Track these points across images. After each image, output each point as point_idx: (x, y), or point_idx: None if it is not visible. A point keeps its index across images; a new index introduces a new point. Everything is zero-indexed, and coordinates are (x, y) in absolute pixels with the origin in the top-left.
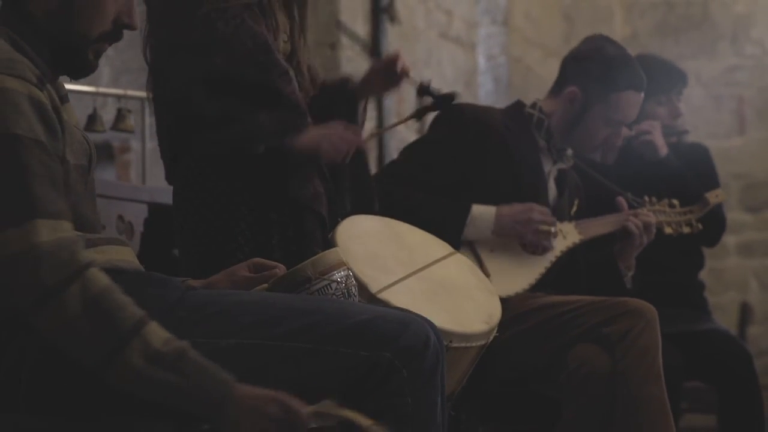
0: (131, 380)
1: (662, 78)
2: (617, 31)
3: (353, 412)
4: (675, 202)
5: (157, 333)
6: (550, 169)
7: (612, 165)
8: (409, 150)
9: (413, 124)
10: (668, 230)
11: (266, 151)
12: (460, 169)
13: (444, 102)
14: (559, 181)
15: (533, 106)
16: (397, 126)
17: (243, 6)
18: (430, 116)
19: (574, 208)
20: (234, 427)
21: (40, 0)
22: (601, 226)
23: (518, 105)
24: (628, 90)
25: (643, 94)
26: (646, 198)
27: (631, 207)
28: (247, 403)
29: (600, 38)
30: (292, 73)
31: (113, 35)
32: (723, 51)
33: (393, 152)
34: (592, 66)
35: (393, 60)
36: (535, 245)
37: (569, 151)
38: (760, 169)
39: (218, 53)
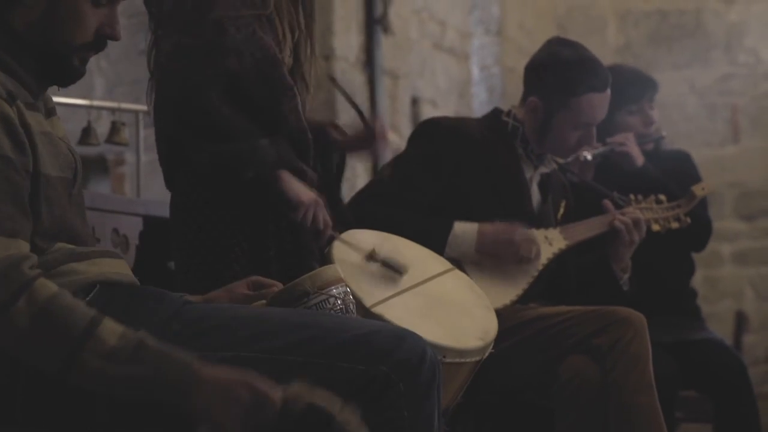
0: (93, 381)
1: (631, 87)
2: (611, 40)
3: (324, 394)
4: (662, 197)
5: (111, 329)
6: (532, 175)
7: (591, 181)
8: (388, 167)
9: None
10: (656, 227)
11: (248, 183)
12: (440, 183)
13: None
14: (543, 185)
15: (508, 113)
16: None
17: (254, 16)
18: None
19: (561, 211)
20: (204, 411)
21: (21, 12)
22: (588, 229)
23: (496, 113)
24: (588, 93)
25: (607, 92)
26: (632, 196)
27: (617, 207)
28: (214, 385)
29: (555, 42)
30: (295, 89)
31: (96, 45)
32: (716, 59)
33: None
34: (548, 74)
35: (378, 135)
36: (515, 259)
37: (548, 154)
38: (754, 178)
39: (231, 56)
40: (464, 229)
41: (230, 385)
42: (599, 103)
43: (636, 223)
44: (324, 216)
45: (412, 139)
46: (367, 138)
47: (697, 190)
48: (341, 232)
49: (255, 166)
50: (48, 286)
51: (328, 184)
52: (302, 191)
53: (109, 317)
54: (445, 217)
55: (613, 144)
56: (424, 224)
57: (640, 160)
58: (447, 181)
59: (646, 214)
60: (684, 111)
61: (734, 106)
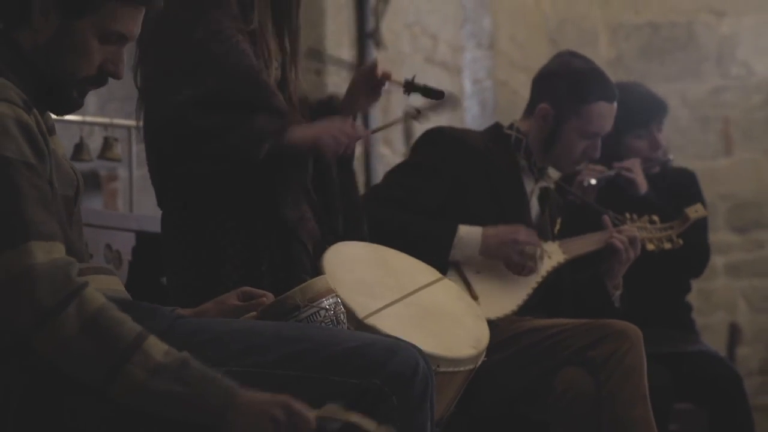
0: (136, 394)
1: (640, 111)
2: (602, 53)
3: (358, 415)
4: (655, 218)
5: (157, 345)
6: (533, 188)
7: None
8: (392, 173)
9: (400, 150)
10: (650, 246)
11: (257, 172)
12: (443, 191)
13: (434, 94)
14: (542, 199)
15: (510, 127)
16: (395, 124)
17: (236, 29)
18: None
19: (557, 227)
20: None
21: (30, 33)
22: (586, 244)
23: (497, 127)
24: (598, 101)
25: (615, 105)
26: (627, 215)
27: (613, 225)
28: (251, 408)
29: (567, 54)
30: (281, 96)
31: (97, 80)
32: (708, 72)
33: (379, 176)
34: (561, 81)
35: (372, 68)
36: (520, 267)
37: (550, 169)
38: (746, 190)
39: (210, 75)
40: (468, 232)
41: (267, 407)
42: (608, 113)
43: (632, 240)
44: (348, 125)
45: (418, 147)
46: (363, 77)
47: (691, 212)
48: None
49: (265, 139)
50: (97, 296)
51: (346, 188)
52: (312, 129)
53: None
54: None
55: (618, 169)
56: (429, 226)
57: (643, 187)
58: (450, 189)
59: (641, 233)
60: (676, 123)
61: (726, 119)
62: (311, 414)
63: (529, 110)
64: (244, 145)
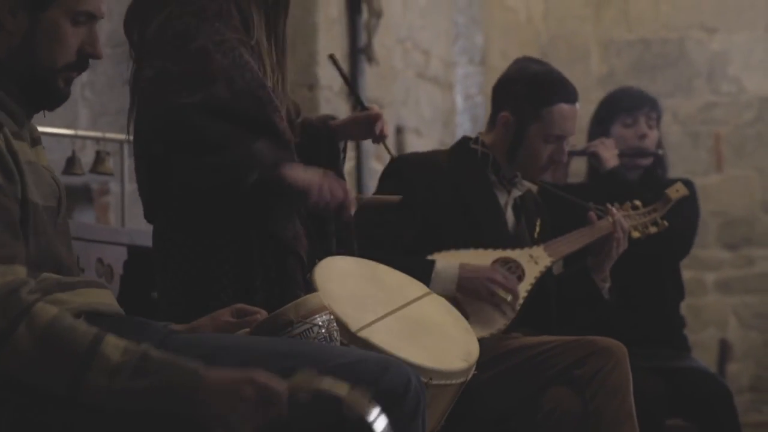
0: (101, 399)
1: (626, 100)
2: (594, 69)
3: (329, 380)
4: (637, 203)
5: (114, 345)
6: (507, 200)
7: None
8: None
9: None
10: (636, 234)
11: (251, 188)
12: (415, 221)
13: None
14: (517, 207)
15: (476, 141)
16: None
17: (238, 40)
18: None
19: (537, 230)
20: (213, 414)
21: (2, 38)
22: (571, 243)
23: (464, 141)
24: (559, 103)
25: (577, 105)
26: (609, 205)
27: (597, 217)
28: (221, 387)
29: (523, 60)
30: (282, 113)
31: (79, 65)
32: (699, 89)
33: (370, 190)
34: (519, 87)
35: (374, 119)
36: (494, 307)
37: (519, 176)
38: (737, 206)
39: (219, 82)
40: (446, 267)
41: (236, 384)
42: (570, 114)
43: (625, 232)
44: (340, 186)
45: (382, 181)
46: (365, 120)
47: (672, 192)
48: (345, 246)
49: (256, 167)
50: (47, 310)
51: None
52: (307, 175)
53: (111, 333)
54: (425, 252)
55: (587, 146)
56: (405, 265)
57: (611, 162)
58: (422, 216)
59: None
60: (667, 140)
61: (717, 135)
62: (282, 386)
63: (492, 121)
64: (238, 166)
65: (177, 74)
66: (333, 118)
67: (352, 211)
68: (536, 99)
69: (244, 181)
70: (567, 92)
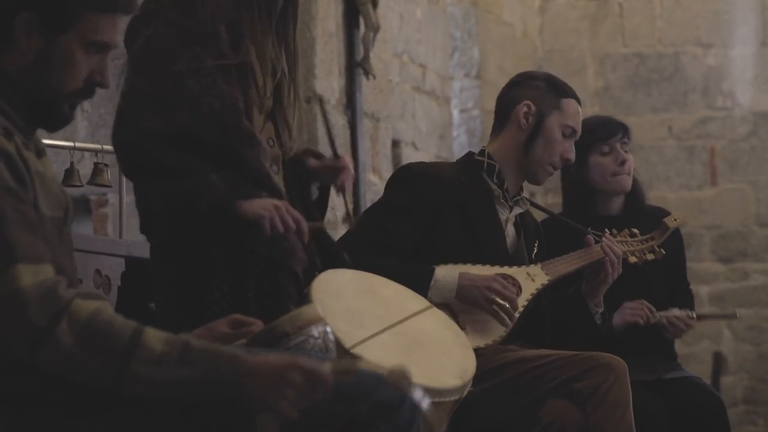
0: (146, 389)
1: (599, 129)
2: (590, 83)
3: (367, 362)
4: (635, 230)
5: (155, 336)
6: (507, 216)
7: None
8: (366, 215)
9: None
10: (633, 259)
11: (204, 216)
12: (417, 229)
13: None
14: (518, 225)
15: (481, 153)
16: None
17: (217, 66)
18: None
19: (535, 250)
20: (260, 399)
21: (14, 56)
22: (568, 264)
23: (469, 155)
24: (572, 97)
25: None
26: (606, 231)
27: (594, 242)
28: (265, 372)
29: (524, 72)
30: (259, 137)
31: (86, 92)
32: (694, 103)
33: (367, 203)
34: (536, 81)
35: (339, 170)
36: (491, 314)
37: (523, 194)
38: (732, 220)
39: (183, 111)
40: (446, 275)
41: (281, 369)
42: (579, 111)
43: (619, 258)
44: (292, 214)
45: (389, 186)
46: (332, 167)
47: (670, 221)
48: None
49: (206, 199)
50: (86, 304)
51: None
52: (258, 205)
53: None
54: (425, 261)
55: (662, 318)
56: (405, 270)
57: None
58: (425, 225)
59: (622, 247)
60: (662, 154)
61: (712, 149)
62: (326, 369)
63: (498, 128)
64: (188, 194)
65: (146, 94)
66: (317, 154)
67: (305, 239)
68: (556, 90)
69: (195, 209)
70: (576, 94)
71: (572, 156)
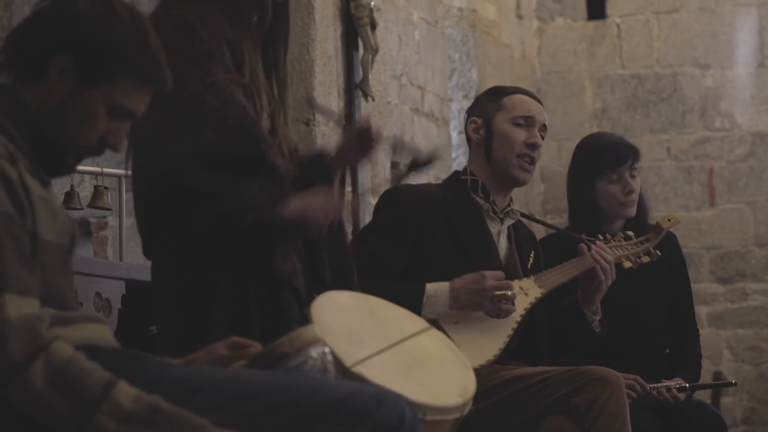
0: None
1: (610, 154)
2: (588, 104)
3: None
4: (630, 233)
5: (126, 392)
6: (499, 229)
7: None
8: (356, 240)
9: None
10: (628, 264)
11: (249, 230)
12: (407, 251)
13: (425, 158)
14: (511, 238)
15: (464, 171)
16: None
17: (230, 81)
18: None
19: (531, 261)
20: None
21: (40, 93)
22: (562, 274)
23: (455, 174)
24: (516, 93)
25: (534, 100)
26: (600, 237)
27: (588, 249)
28: None
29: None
30: (276, 148)
31: (96, 150)
32: (693, 124)
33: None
34: (479, 98)
35: (366, 129)
36: (495, 312)
37: (512, 206)
38: (730, 240)
39: (208, 127)
40: (436, 289)
41: None
42: (529, 100)
43: (611, 265)
44: (331, 204)
45: (377, 210)
46: (359, 138)
47: (665, 222)
48: (342, 274)
49: (250, 212)
50: (65, 349)
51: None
52: (300, 205)
53: (124, 381)
54: (418, 280)
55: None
56: (397, 290)
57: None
58: (415, 245)
59: (616, 252)
60: (661, 174)
61: (710, 170)
62: None
63: (469, 151)
64: (232, 213)
65: (168, 121)
66: (325, 152)
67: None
68: (496, 94)
69: (241, 225)
70: (524, 90)
71: (537, 140)
